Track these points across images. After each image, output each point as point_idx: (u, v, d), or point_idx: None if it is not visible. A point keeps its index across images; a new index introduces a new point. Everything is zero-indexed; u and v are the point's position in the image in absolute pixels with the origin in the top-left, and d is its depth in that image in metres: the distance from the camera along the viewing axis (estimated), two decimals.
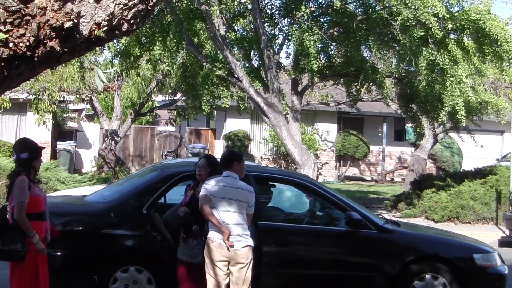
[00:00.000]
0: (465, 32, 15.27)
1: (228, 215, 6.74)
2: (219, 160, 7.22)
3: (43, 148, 6.55)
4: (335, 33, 16.30)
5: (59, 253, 7.19)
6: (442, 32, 13.74)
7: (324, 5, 16.85)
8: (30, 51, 3.19)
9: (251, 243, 6.88)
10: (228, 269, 6.82)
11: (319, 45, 16.16)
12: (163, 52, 15.32)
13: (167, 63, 15.72)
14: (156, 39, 15.48)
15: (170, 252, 7.48)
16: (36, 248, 6.09)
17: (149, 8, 3.51)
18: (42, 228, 6.23)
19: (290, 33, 15.92)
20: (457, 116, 15.13)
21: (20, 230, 6.05)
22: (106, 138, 24.14)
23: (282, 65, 18.15)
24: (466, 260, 8.21)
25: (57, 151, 24.95)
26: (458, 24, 14.80)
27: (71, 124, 29.38)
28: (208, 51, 15.56)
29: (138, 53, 16.31)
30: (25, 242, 6.04)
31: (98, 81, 4.62)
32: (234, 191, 6.82)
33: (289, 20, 16.87)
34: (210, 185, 6.79)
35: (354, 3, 16.84)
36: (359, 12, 16.27)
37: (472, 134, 20.04)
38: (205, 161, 7.25)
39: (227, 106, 16.97)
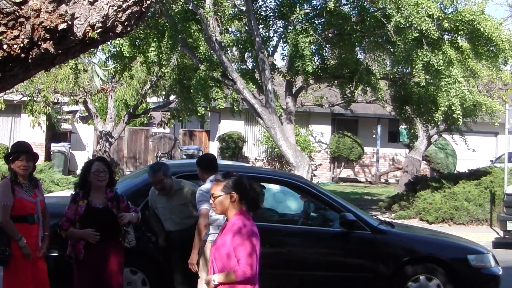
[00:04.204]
0: (460, 33, 15.28)
1: None
2: (201, 162, 7.12)
3: (27, 152, 6.23)
4: (330, 35, 16.30)
5: (53, 254, 7.16)
6: (437, 33, 13.74)
7: (318, 7, 16.85)
8: (24, 53, 3.18)
9: None
10: None
11: (314, 47, 16.17)
12: (159, 55, 15.30)
13: (164, 65, 15.70)
14: (151, 41, 15.47)
15: (164, 253, 7.47)
16: (23, 252, 6.01)
17: (143, 10, 3.50)
18: (31, 232, 6.14)
19: (284, 35, 15.92)
20: (453, 115, 15.12)
21: (1, 235, 5.97)
22: (100, 140, 24.07)
23: (277, 67, 18.16)
24: (460, 261, 8.22)
25: (51, 152, 24.94)
26: (452, 25, 14.82)
27: (65, 126, 29.33)
28: (202, 53, 15.55)
29: (131, 55, 16.26)
30: (8, 246, 5.95)
31: (97, 79, 4.60)
32: None
33: (283, 22, 16.87)
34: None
35: (349, 5, 16.85)
36: (354, 14, 16.28)
37: (464, 137, 19.99)
38: (104, 165, 6.54)
39: (221, 107, 16.96)
